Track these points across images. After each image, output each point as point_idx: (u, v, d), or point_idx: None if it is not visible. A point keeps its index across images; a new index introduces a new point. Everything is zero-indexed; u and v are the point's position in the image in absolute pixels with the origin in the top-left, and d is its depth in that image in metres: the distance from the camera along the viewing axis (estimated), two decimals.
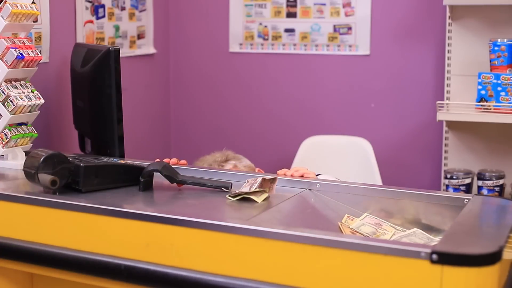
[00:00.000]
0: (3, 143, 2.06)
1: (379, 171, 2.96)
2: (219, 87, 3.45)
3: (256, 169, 2.28)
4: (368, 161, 2.98)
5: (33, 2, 2.14)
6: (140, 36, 3.23)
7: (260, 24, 3.36)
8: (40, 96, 2.13)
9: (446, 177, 2.89)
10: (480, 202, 1.70)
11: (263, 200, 1.71)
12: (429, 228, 1.58)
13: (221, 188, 1.79)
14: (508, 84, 2.67)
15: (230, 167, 2.24)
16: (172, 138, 3.57)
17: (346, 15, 3.22)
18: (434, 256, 1.23)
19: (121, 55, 2.18)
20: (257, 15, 3.35)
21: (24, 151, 2.08)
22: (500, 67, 2.72)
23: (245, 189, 1.74)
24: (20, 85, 2.10)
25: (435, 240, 1.47)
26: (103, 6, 2.94)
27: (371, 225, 1.61)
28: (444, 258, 1.23)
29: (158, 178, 1.81)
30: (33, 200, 1.64)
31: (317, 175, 1.96)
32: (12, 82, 2.08)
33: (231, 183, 1.80)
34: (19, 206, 1.65)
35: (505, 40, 2.70)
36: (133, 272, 1.49)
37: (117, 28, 3.05)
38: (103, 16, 2.94)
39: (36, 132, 2.14)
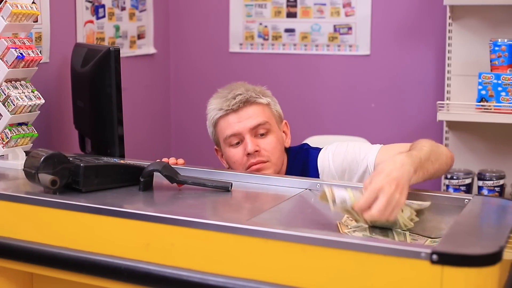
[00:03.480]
0: (4, 143, 2.06)
1: None
2: (219, 87, 3.42)
3: (284, 121, 2.24)
4: None
5: (33, 2, 2.14)
6: (140, 36, 3.23)
7: (260, 24, 3.36)
8: (40, 96, 2.13)
9: (446, 177, 2.89)
10: (480, 203, 1.69)
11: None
12: (429, 228, 1.57)
13: (221, 188, 1.79)
14: (508, 84, 2.67)
15: (265, 103, 2.18)
16: (172, 138, 3.57)
17: (346, 15, 3.22)
18: (434, 257, 1.23)
19: (121, 55, 2.17)
20: (257, 15, 3.35)
21: (24, 151, 2.08)
22: (501, 67, 2.72)
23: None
24: (20, 85, 2.10)
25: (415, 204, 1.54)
26: (103, 6, 2.94)
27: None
28: (444, 259, 1.23)
29: (158, 178, 1.81)
30: (33, 200, 1.64)
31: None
32: (12, 82, 2.08)
33: (231, 183, 1.80)
34: (19, 206, 1.65)
35: (506, 40, 2.70)
36: (133, 272, 1.48)
37: (117, 28, 3.05)
38: (103, 16, 2.94)
39: (36, 132, 2.14)
